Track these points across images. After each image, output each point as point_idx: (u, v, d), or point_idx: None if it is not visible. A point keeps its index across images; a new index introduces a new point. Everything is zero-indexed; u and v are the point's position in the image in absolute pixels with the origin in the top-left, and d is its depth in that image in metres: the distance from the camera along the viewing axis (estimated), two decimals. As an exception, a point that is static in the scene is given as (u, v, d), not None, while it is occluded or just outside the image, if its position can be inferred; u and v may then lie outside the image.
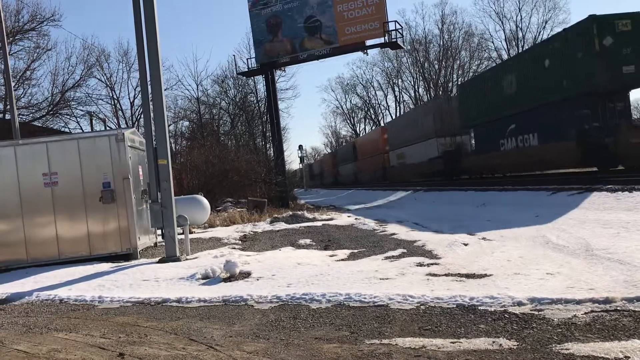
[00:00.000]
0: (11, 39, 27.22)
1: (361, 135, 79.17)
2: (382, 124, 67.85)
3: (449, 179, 29.20)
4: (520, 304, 5.10)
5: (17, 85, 28.00)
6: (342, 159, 61.56)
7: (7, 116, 24.86)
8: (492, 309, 5.05)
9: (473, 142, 27.29)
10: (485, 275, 6.61)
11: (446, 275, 6.87)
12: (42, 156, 11.11)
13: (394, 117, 73.70)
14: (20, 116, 26.41)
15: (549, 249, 8.10)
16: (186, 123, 47.94)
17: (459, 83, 54.66)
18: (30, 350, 5.10)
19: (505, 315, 4.84)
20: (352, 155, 54.72)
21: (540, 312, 4.80)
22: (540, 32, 63.29)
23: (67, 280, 9.06)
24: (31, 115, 30.55)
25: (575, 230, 9.57)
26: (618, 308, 4.69)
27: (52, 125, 31.78)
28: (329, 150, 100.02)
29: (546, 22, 63.72)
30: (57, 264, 10.75)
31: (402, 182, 34.84)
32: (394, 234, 11.89)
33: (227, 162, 26.55)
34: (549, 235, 9.37)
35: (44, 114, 31.18)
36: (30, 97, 31.09)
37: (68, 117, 33.85)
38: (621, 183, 12.77)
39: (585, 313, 4.66)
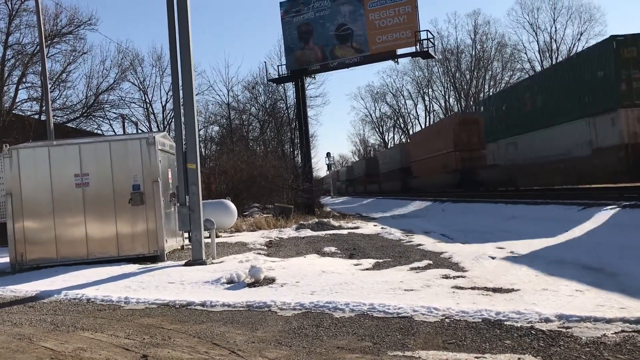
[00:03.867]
0: (49, 41, 27.86)
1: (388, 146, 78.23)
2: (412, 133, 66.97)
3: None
4: (547, 320, 4.99)
5: (53, 87, 28.64)
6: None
7: (43, 117, 25.43)
8: (519, 325, 4.95)
9: None
10: (512, 290, 6.50)
11: (472, 288, 6.77)
12: (75, 157, 11.33)
13: (423, 127, 73.14)
14: (55, 117, 26.98)
15: (579, 265, 7.92)
16: (216, 128, 48.40)
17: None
18: (56, 348, 5.19)
19: (532, 331, 4.74)
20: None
21: (568, 330, 4.70)
22: (575, 44, 62.36)
23: (94, 280, 9.21)
24: (65, 116, 31.16)
25: (608, 247, 9.36)
26: (650, 329, 4.56)
27: (85, 127, 32.37)
28: (357, 158, 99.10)
29: (581, 34, 62.75)
30: (86, 264, 10.93)
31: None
32: (420, 244, 11.79)
33: (255, 167, 26.71)
34: (579, 251, 9.19)
35: (78, 115, 31.77)
36: (65, 99, 31.71)
37: (101, 119, 34.40)
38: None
39: (616, 332, 4.53)
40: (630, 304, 5.40)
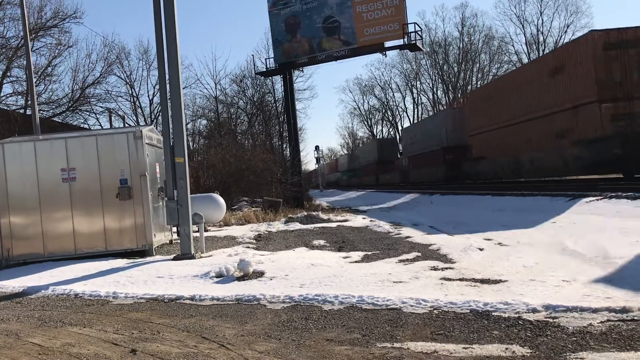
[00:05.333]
0: (34, 35, 27.57)
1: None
2: (400, 127, 66.00)
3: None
4: (534, 310, 5.04)
5: (38, 81, 28.38)
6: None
7: (29, 111, 25.18)
8: (506, 315, 5.00)
9: None
10: (500, 281, 6.55)
11: (460, 279, 6.82)
12: (61, 152, 11.24)
13: (411, 120, 72.96)
14: (41, 112, 26.77)
15: (566, 255, 7.99)
16: (204, 122, 48.32)
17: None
18: (44, 344, 5.16)
19: (519, 321, 4.79)
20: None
21: (555, 320, 4.74)
22: (561, 36, 62.74)
23: (82, 275, 9.15)
24: (51, 111, 30.93)
25: (594, 237, 9.44)
26: (635, 318, 4.61)
27: (71, 121, 32.14)
28: (345, 151, 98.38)
29: (568, 26, 63.17)
30: (73, 259, 10.87)
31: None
32: (408, 236, 11.84)
33: (244, 161, 26.64)
34: (566, 242, 9.26)
35: (64, 110, 31.55)
36: (50, 93, 31.49)
37: (87, 113, 34.23)
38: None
39: (602, 322, 4.59)
40: (616, 293, 5.46)
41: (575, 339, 4.24)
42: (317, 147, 70.47)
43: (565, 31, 62.95)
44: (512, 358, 3.94)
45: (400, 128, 74.12)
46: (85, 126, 33.38)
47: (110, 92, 36.68)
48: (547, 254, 8.26)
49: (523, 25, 65.90)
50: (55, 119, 30.52)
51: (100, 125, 36.40)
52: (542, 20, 64.71)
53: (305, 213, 19.28)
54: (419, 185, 36.76)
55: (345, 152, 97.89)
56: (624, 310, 4.78)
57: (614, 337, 4.21)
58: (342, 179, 75.48)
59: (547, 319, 4.79)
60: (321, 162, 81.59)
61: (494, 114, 26.54)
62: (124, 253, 11.22)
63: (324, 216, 18.37)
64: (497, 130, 26.20)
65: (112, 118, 35.64)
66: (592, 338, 4.22)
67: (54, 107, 31.16)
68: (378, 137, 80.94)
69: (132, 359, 4.52)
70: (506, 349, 4.12)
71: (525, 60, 60.19)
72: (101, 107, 35.08)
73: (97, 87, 34.11)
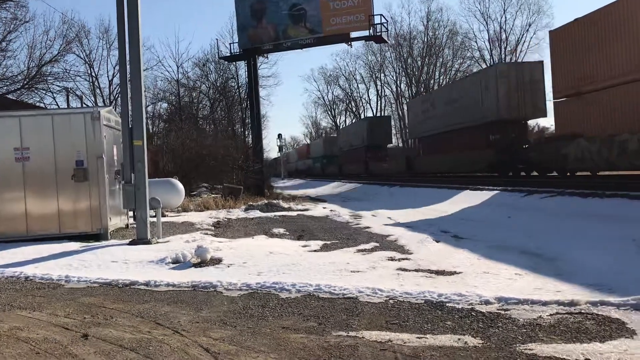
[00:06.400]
0: (-12, 8, 26.54)
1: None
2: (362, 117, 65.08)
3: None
4: (487, 302, 5.15)
5: (-9, 56, 27.32)
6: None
7: (-19, 87, 24.28)
8: (460, 307, 5.09)
9: None
10: (454, 273, 6.67)
11: (416, 270, 6.91)
12: (15, 130, 10.88)
13: (374, 111, 73.22)
14: (-6, 88, 25.82)
15: (519, 250, 8.19)
16: (165, 105, 47.46)
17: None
18: (-9, 328, 5.00)
19: (472, 313, 4.88)
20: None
21: (506, 312, 4.86)
22: (523, 34, 63.82)
23: (34, 257, 8.91)
24: (5, 88, 29.87)
25: (547, 233, 9.71)
26: (582, 311, 4.76)
27: (27, 100, 31.08)
28: (308, 140, 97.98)
29: (530, 25, 64.22)
30: (25, 241, 10.56)
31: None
32: (367, 227, 11.93)
33: (205, 146, 26.37)
34: (519, 236, 9.49)
35: (19, 87, 30.51)
36: (5, 69, 30.37)
37: (44, 92, 33.17)
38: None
39: (551, 314, 4.72)
40: (565, 287, 5.63)
41: (525, 330, 4.35)
42: (279, 135, 70.22)
43: (527, 30, 64.07)
44: (463, 349, 4.01)
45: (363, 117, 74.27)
46: (42, 105, 32.37)
47: (68, 71, 35.63)
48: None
49: (487, 22, 66.63)
50: (9, 96, 29.47)
51: (57, 104, 35.37)
52: (506, 18, 65.66)
53: (266, 201, 19.23)
54: (452, 178, 25.55)
55: (309, 141, 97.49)
56: (572, 303, 4.93)
57: (561, 329, 4.34)
58: (315, 167, 64.12)
59: (499, 311, 4.90)
60: (284, 150, 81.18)
61: (611, 61, 15.65)
62: (78, 236, 10.97)
63: (284, 204, 18.36)
64: (621, 87, 15.27)
65: (70, 98, 34.74)
66: (542, 330, 4.34)
67: (8, 83, 30.13)
68: (341, 126, 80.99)
69: (84, 343, 4.43)
70: (459, 339, 4.20)
71: (488, 57, 61.04)
72: (58, 86, 34.05)
73: (55, 65, 33.18)
